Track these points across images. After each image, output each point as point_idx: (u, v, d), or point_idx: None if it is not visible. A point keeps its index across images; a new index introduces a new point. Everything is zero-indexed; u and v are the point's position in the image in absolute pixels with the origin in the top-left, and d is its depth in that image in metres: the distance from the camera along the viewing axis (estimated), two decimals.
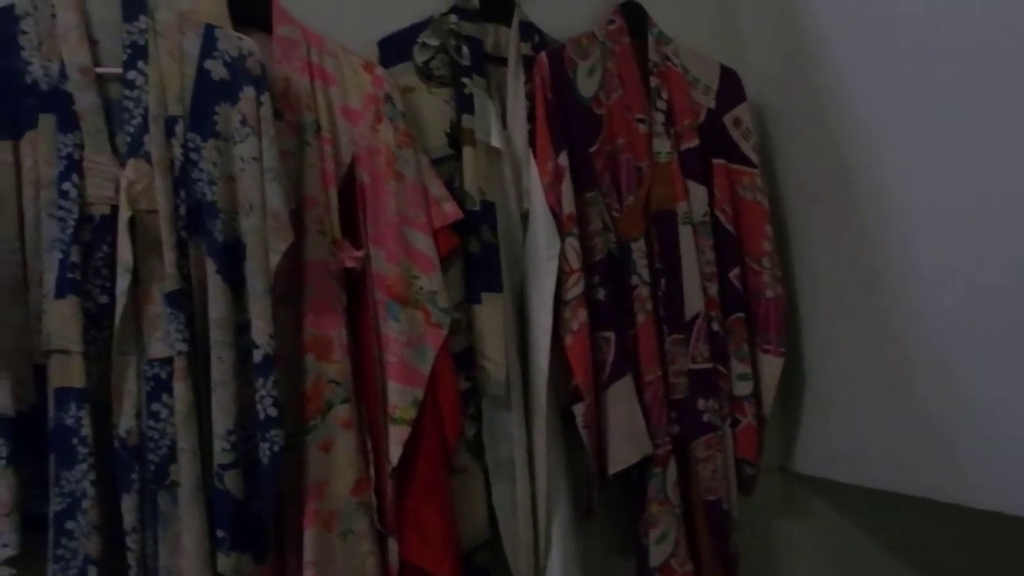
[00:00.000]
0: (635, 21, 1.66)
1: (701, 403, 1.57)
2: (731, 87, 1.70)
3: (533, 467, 1.45)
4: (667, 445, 1.53)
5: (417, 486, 1.33)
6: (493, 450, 1.43)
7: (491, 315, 1.44)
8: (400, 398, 1.33)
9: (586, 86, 1.58)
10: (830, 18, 1.60)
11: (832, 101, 1.58)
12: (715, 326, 1.61)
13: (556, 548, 1.44)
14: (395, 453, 1.31)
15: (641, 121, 1.62)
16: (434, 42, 1.51)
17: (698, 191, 1.63)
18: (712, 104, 1.69)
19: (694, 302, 1.59)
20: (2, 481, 1.15)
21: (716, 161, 1.66)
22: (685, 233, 1.60)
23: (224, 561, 1.19)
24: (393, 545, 1.32)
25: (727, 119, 1.69)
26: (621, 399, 1.50)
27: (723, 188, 1.65)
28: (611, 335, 1.51)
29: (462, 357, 1.43)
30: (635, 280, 1.55)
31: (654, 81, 1.64)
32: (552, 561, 1.44)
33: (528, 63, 1.56)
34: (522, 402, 1.47)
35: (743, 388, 1.62)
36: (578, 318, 1.46)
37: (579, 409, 1.45)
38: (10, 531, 1.14)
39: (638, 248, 1.56)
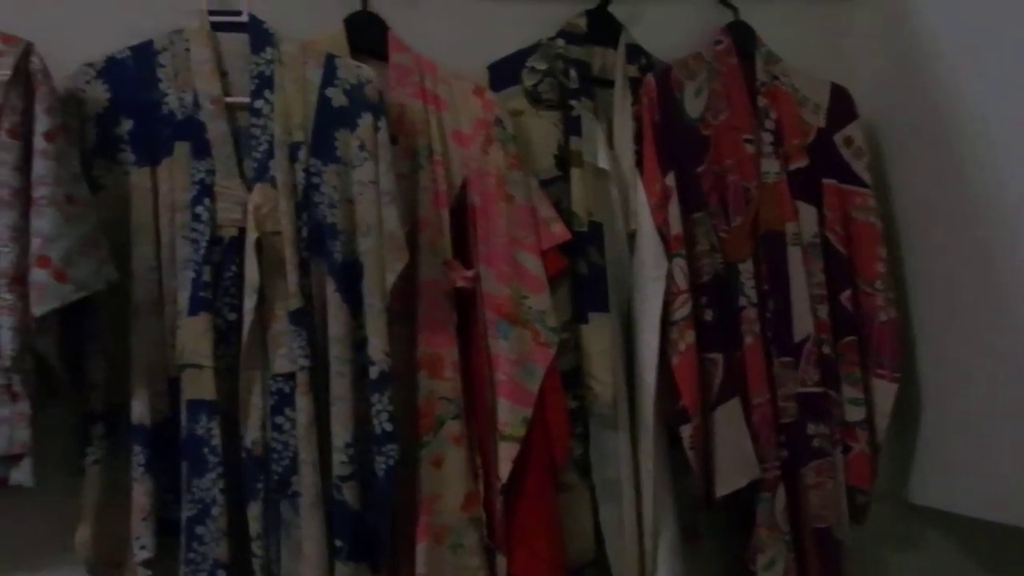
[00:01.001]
0: (742, 41, 1.69)
1: (811, 428, 1.58)
2: (842, 105, 1.70)
3: (639, 488, 1.49)
4: (776, 470, 1.54)
5: (526, 503, 1.38)
6: (600, 470, 1.47)
7: (598, 335, 1.48)
8: (510, 416, 1.38)
9: (693, 107, 1.61)
10: (943, 28, 1.59)
11: (949, 114, 1.57)
12: (826, 349, 1.61)
13: (662, 570, 1.47)
14: (504, 470, 1.36)
15: (749, 141, 1.64)
16: (542, 66, 1.57)
17: (808, 212, 1.64)
18: (822, 123, 1.69)
19: (803, 324, 1.59)
20: (140, 487, 1.25)
21: (826, 181, 1.67)
22: (794, 254, 1.61)
23: (342, 570, 1.26)
24: (501, 561, 1.37)
25: (838, 138, 1.69)
26: (728, 422, 1.52)
27: (834, 209, 1.66)
28: (718, 357, 1.53)
29: (569, 377, 1.47)
30: (742, 302, 1.57)
31: (762, 101, 1.66)
32: None
33: (635, 85, 1.60)
34: (628, 422, 1.50)
35: (855, 414, 1.62)
36: (685, 339, 1.49)
37: (686, 431, 1.47)
38: (147, 534, 1.24)
39: (745, 269, 1.58)
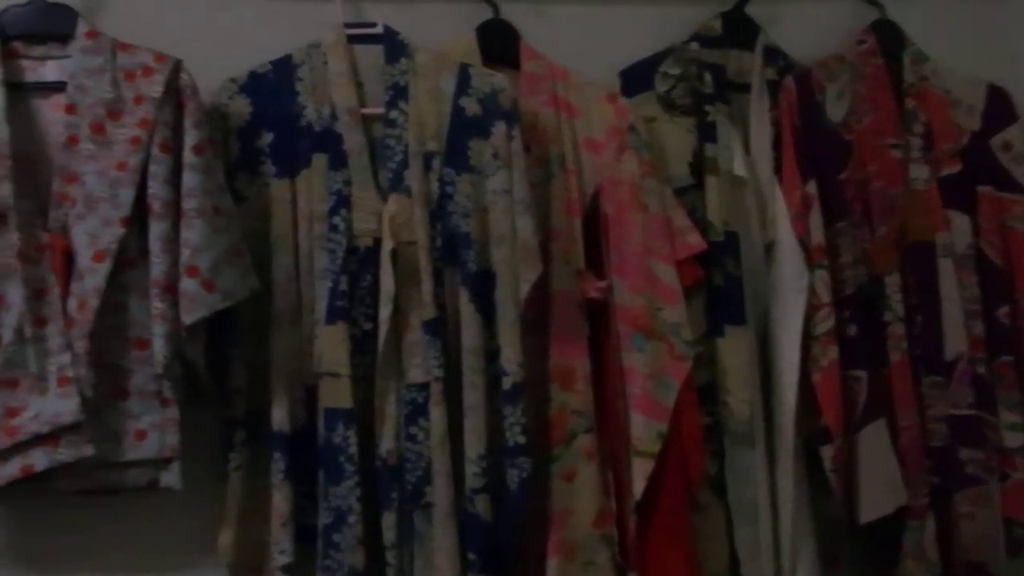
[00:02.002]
0: (888, 40, 1.64)
1: (964, 453, 1.52)
2: (1000, 107, 1.63)
3: (777, 509, 1.46)
4: (925, 497, 1.49)
5: (660, 522, 1.37)
6: (736, 489, 1.45)
7: (735, 349, 1.46)
8: (644, 431, 1.38)
9: (835, 110, 1.58)
10: None
11: None
12: (980, 369, 1.54)
13: None
14: (639, 487, 1.36)
15: (895, 147, 1.59)
16: (675, 71, 1.57)
17: (960, 221, 1.58)
18: (977, 126, 1.63)
19: (955, 342, 1.53)
20: (279, 493, 1.31)
21: (982, 189, 1.60)
22: (945, 267, 1.55)
23: None
24: None
25: (995, 142, 1.62)
26: (874, 443, 1.48)
27: (990, 218, 1.59)
28: (863, 374, 1.49)
29: (703, 392, 1.46)
30: (888, 316, 1.52)
31: (909, 103, 1.61)
32: None
33: (773, 88, 1.58)
34: (765, 441, 1.48)
35: (1014, 440, 1.54)
36: (828, 355, 1.46)
37: (827, 451, 1.44)
38: (286, 540, 1.30)
39: (892, 282, 1.54)
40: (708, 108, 1.54)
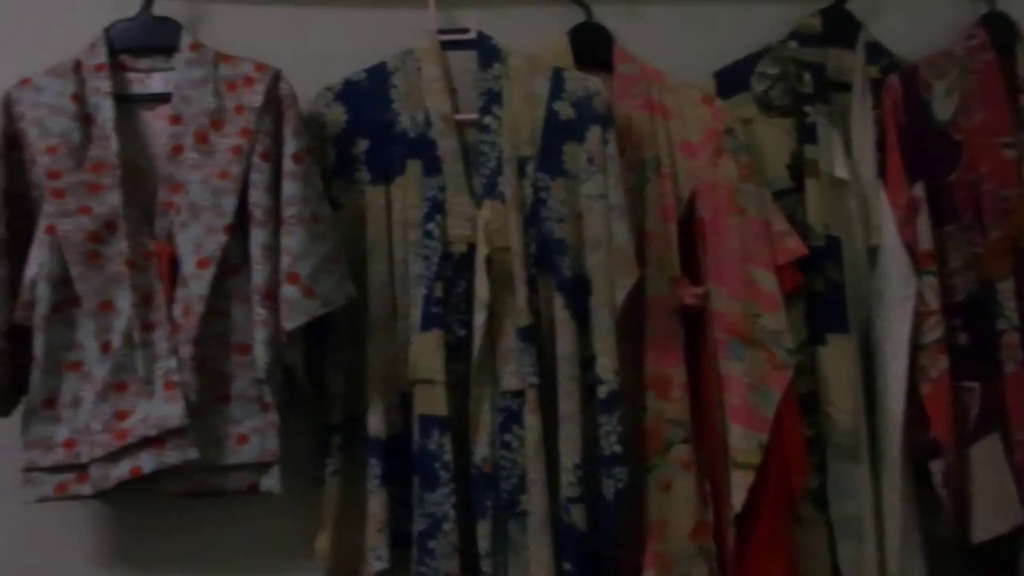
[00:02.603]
0: (1000, 34, 1.59)
1: None
2: None
3: (882, 526, 1.43)
4: None
5: (760, 536, 1.36)
6: (838, 504, 1.43)
7: (838, 358, 1.43)
8: (743, 442, 1.36)
9: (943, 109, 1.54)
10: None
11: None
12: None
13: None
14: (739, 499, 1.35)
15: (1009, 146, 1.54)
16: (773, 71, 1.55)
17: None
18: None
19: None
20: (375, 499, 1.33)
21: None
22: None
23: None
24: None
25: None
26: (988, 459, 1.44)
27: None
28: (975, 386, 1.45)
29: (804, 402, 1.44)
30: (1002, 324, 1.48)
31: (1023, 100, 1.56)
32: None
33: (876, 87, 1.55)
34: (869, 454, 1.44)
35: None
36: (937, 365, 1.42)
37: (937, 466, 1.41)
38: (382, 546, 1.32)
39: (1005, 288, 1.49)
40: (807, 108, 1.52)
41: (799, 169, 1.51)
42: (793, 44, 1.56)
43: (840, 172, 1.50)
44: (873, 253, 1.50)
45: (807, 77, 1.53)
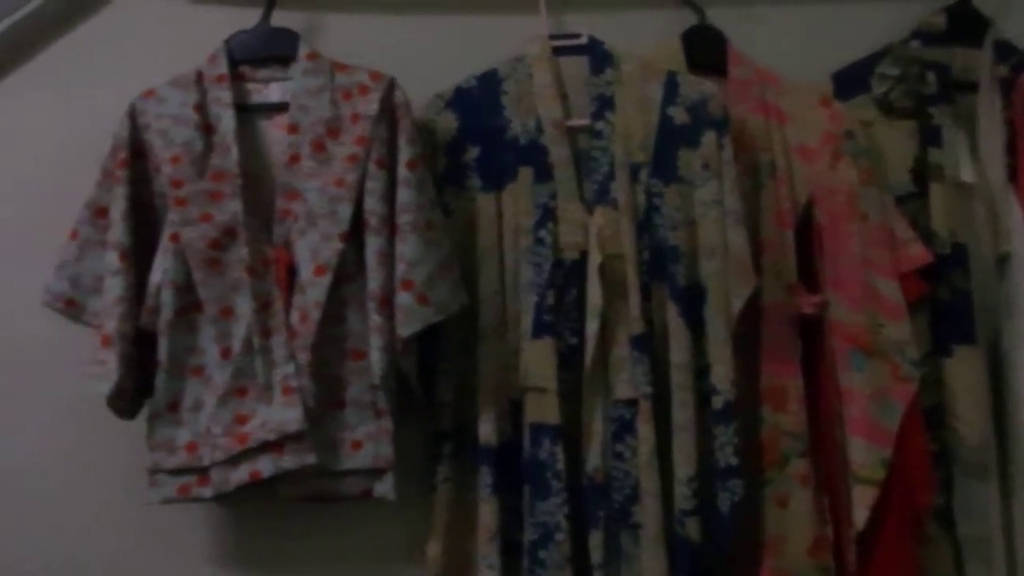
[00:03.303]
0: None
1: None
2: None
3: (1013, 549, 1.38)
4: None
5: (883, 555, 1.33)
6: (966, 524, 1.39)
7: (965, 370, 1.40)
8: (865, 456, 1.34)
9: None
10: None
11: None
12: None
13: None
14: (861, 516, 1.32)
15: None
16: (894, 71, 1.51)
17: None
18: None
19: None
20: (486, 507, 1.35)
21: None
22: None
23: None
24: None
25: None
26: None
27: None
28: None
29: (928, 416, 1.41)
30: None
31: None
32: None
33: (1005, 87, 1.50)
34: (998, 471, 1.40)
35: None
36: None
37: None
38: (493, 554, 1.33)
39: None
40: (932, 110, 1.48)
41: (923, 173, 1.48)
42: (915, 43, 1.53)
43: (967, 176, 1.46)
44: (1002, 261, 1.45)
45: (931, 77, 1.50)
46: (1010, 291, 1.43)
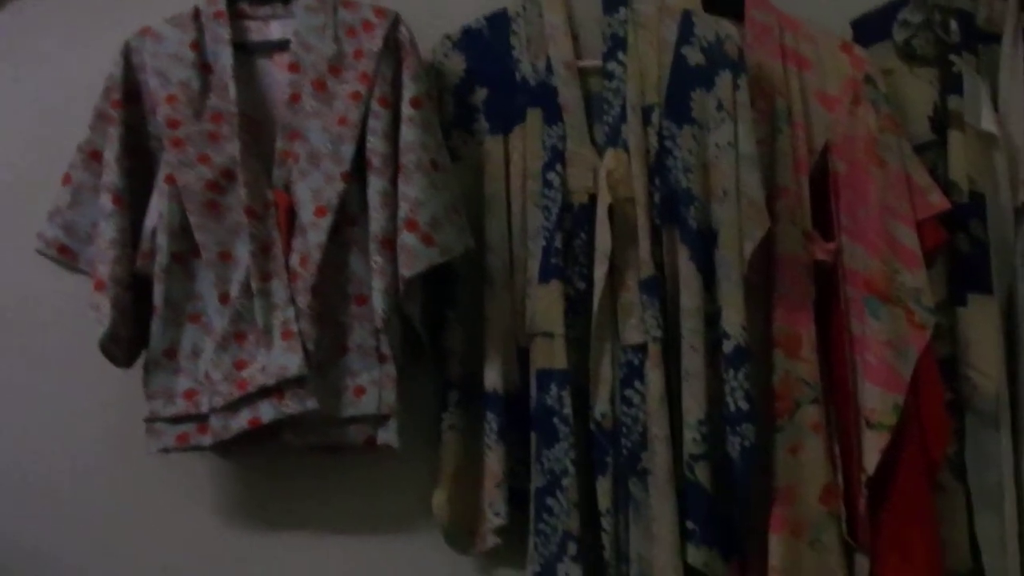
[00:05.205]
0: None
1: None
2: None
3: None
4: None
5: (897, 501, 1.36)
6: (977, 473, 1.41)
7: (980, 320, 1.42)
8: (879, 402, 1.36)
9: None
10: None
11: None
12: None
13: None
14: (871, 461, 1.35)
15: None
16: (916, 19, 1.53)
17: None
18: None
19: None
20: (493, 454, 1.37)
21: None
22: None
23: (694, 553, 1.31)
24: (863, 562, 1.36)
25: None
26: None
27: None
28: None
29: (942, 365, 1.43)
30: None
31: None
32: None
33: None
34: (1010, 422, 1.42)
35: None
36: None
37: None
38: (500, 501, 1.36)
39: None
40: (953, 58, 1.50)
41: (942, 121, 1.50)
42: None
43: (987, 125, 1.48)
44: (1020, 212, 1.47)
45: (954, 25, 1.51)
46: None
